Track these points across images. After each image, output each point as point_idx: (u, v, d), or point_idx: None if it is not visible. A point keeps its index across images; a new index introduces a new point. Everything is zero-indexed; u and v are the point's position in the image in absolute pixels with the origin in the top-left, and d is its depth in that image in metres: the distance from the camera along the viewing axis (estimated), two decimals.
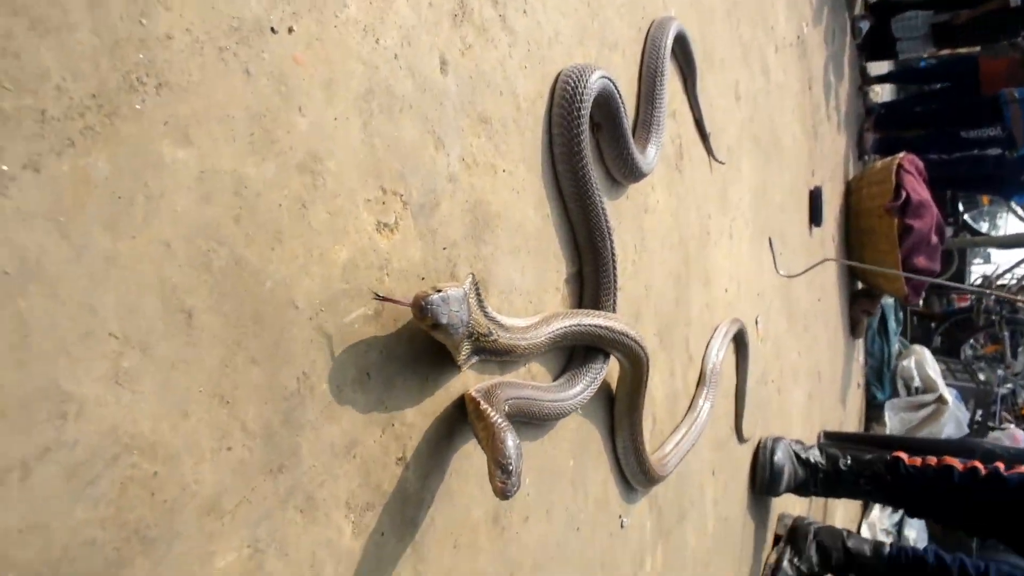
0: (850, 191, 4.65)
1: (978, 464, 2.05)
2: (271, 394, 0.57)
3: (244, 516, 0.55)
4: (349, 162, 0.64)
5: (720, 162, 1.67)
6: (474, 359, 0.75)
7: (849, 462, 2.24)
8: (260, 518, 0.56)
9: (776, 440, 2.18)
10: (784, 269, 2.40)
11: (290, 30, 0.58)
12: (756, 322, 2.11)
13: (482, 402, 0.73)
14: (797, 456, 2.21)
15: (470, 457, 0.80)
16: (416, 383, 0.72)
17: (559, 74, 0.97)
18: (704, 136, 1.58)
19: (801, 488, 2.25)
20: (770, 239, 2.31)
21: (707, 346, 1.64)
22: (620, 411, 1.15)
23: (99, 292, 0.46)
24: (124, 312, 0.47)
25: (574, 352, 1.01)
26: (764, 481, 2.11)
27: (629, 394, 1.13)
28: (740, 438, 1.91)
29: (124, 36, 0.47)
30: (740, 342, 1.88)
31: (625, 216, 1.19)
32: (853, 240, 4.71)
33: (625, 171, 1.12)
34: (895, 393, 5.35)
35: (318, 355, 0.61)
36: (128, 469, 0.47)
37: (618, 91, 1.03)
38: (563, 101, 0.96)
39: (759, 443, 2.13)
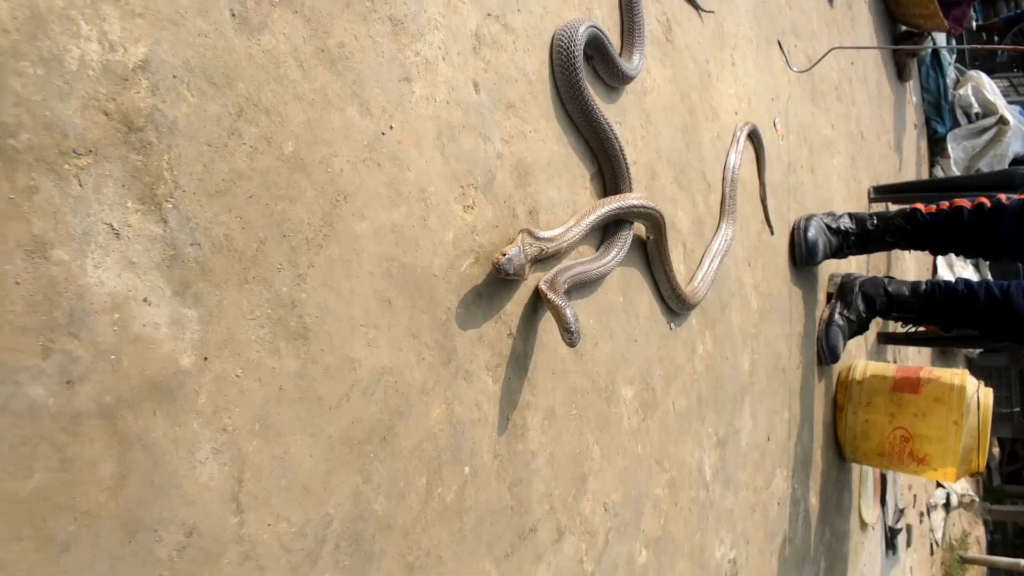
0: None
1: (984, 199, 2.39)
2: (435, 325, 1.05)
3: (440, 389, 1.05)
4: (440, 180, 1.07)
5: (708, 11, 1.96)
6: (536, 270, 1.20)
7: (875, 221, 2.61)
8: (446, 388, 1.07)
9: (807, 219, 2.56)
10: (797, 65, 2.66)
11: (391, 128, 1.00)
12: (774, 124, 2.43)
13: (546, 291, 1.19)
14: (828, 227, 2.61)
15: (550, 320, 1.28)
16: (508, 289, 1.20)
17: (552, 37, 1.33)
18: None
19: (837, 252, 2.65)
20: (779, 42, 2.56)
21: (724, 163, 2.02)
22: (652, 257, 1.60)
23: (350, 305, 0.94)
24: (368, 309, 0.95)
25: (606, 228, 1.46)
26: (802, 256, 2.51)
27: (655, 242, 1.57)
28: (771, 230, 2.32)
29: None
30: (755, 141, 2.23)
31: (628, 109, 1.57)
32: None
33: (617, 80, 1.49)
34: (955, 124, 5.45)
35: (452, 296, 1.08)
36: (389, 381, 0.97)
37: (600, 29, 1.38)
38: (560, 58, 1.33)
39: (792, 225, 2.53)
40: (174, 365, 0.74)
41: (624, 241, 1.44)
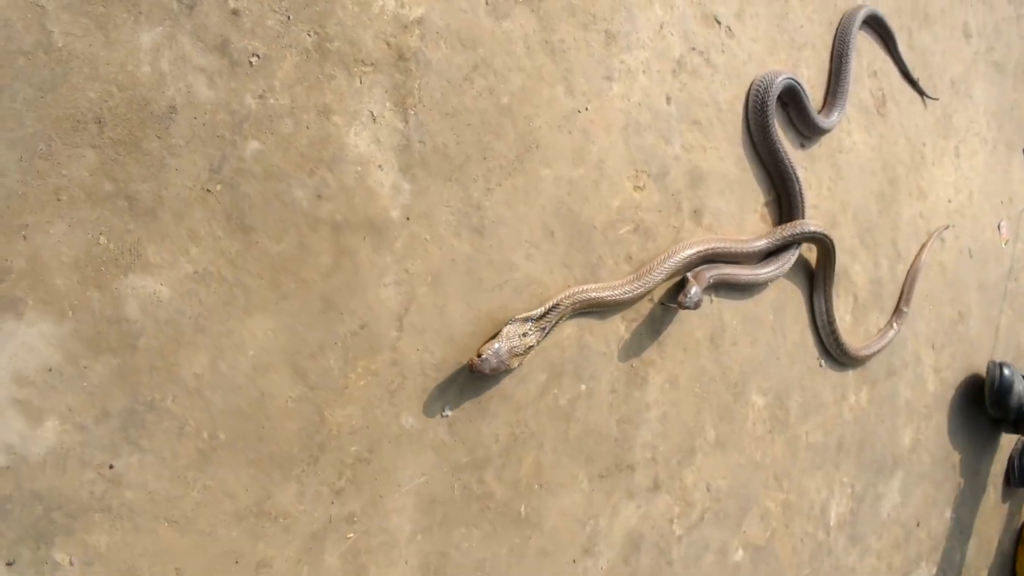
0: None
1: None
2: (585, 264, 1.24)
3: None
4: (618, 159, 1.28)
5: (932, 98, 1.95)
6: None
7: None
8: (581, 317, 1.25)
9: (1005, 365, 2.21)
10: None
11: (587, 109, 1.23)
12: (999, 227, 2.28)
13: (690, 276, 1.33)
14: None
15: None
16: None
17: (752, 82, 1.49)
18: (912, 81, 1.89)
19: None
20: None
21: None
22: (816, 286, 1.64)
23: (520, 223, 1.17)
24: (534, 232, 1.17)
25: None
26: (992, 394, 2.19)
27: (822, 269, 1.61)
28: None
29: None
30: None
31: (818, 158, 1.65)
32: None
33: (809, 130, 1.59)
34: None
35: (606, 249, 1.27)
36: (535, 289, 1.18)
37: (797, 82, 1.51)
38: (755, 99, 1.47)
39: (988, 366, 2.24)
40: (386, 214, 1.02)
41: (786, 260, 1.52)
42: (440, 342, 1.08)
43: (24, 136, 0.78)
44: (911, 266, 1.93)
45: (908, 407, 1.97)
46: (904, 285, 1.91)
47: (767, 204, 1.54)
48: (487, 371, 1.06)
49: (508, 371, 1.12)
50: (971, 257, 2.17)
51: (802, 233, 1.52)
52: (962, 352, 2.17)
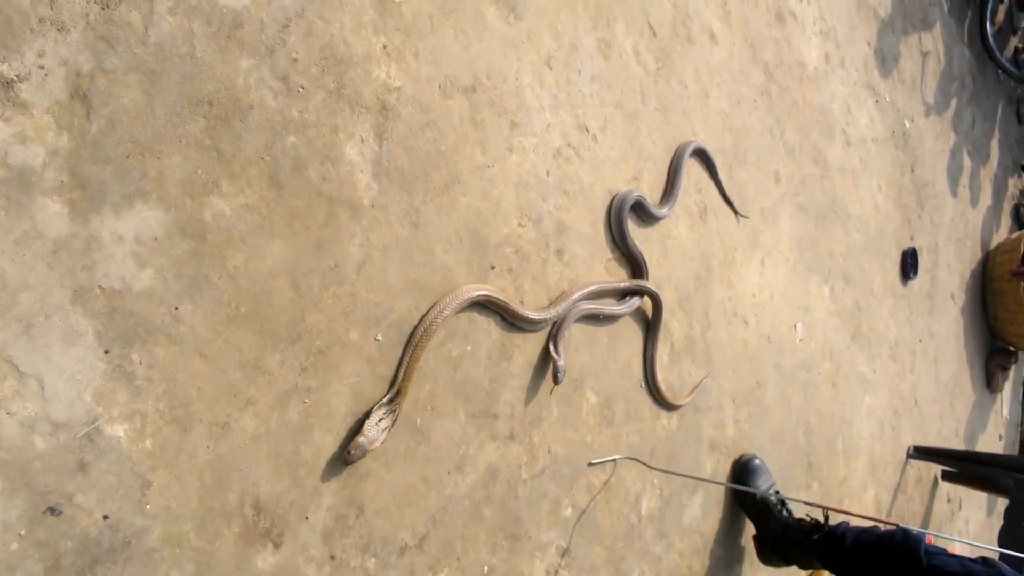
0: (988, 259, 5.30)
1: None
2: (482, 265, 1.95)
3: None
4: (510, 204, 2.02)
5: (743, 216, 2.86)
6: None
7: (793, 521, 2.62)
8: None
9: (751, 458, 2.84)
10: (837, 304, 3.42)
11: (493, 165, 1.98)
12: (795, 326, 3.18)
13: (551, 349, 2.06)
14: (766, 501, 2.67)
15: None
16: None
17: (613, 197, 2.31)
18: (728, 201, 2.79)
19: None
20: (826, 280, 3.36)
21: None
22: (649, 329, 2.41)
23: (438, 246, 1.87)
24: (447, 238, 1.87)
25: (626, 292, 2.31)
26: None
27: (654, 319, 2.39)
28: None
29: None
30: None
31: (651, 238, 2.46)
32: (988, 302, 5.32)
33: (649, 220, 2.42)
34: None
35: (496, 259, 1.98)
36: (446, 273, 1.87)
37: (643, 196, 2.34)
38: (615, 208, 2.29)
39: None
40: (360, 200, 1.70)
41: (633, 303, 2.29)
42: (382, 290, 1.73)
43: (168, 101, 1.43)
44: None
45: (711, 442, 2.72)
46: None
47: (610, 260, 2.32)
48: (357, 460, 1.59)
49: (374, 451, 1.71)
50: (770, 343, 3.03)
51: (644, 288, 2.30)
52: (758, 413, 2.97)
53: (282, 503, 1.56)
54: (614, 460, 2.28)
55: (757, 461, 2.73)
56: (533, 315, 2.01)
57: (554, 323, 2.12)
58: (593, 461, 2.23)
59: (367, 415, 1.65)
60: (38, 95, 1.30)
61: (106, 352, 1.36)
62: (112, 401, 1.35)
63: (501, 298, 1.92)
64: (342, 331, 1.67)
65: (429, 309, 1.80)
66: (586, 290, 2.16)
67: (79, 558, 1.30)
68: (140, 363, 1.39)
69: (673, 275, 2.55)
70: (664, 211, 2.47)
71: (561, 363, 2.06)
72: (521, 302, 2.02)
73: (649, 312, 2.41)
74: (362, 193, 1.71)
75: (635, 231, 2.38)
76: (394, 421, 1.68)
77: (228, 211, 1.50)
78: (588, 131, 2.26)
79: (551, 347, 2.07)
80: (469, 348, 1.92)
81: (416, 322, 1.79)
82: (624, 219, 2.27)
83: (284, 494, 1.56)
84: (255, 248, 1.54)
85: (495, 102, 2.00)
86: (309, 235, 1.62)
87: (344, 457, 1.60)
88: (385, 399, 1.68)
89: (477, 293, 1.86)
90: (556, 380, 2.05)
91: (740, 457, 2.77)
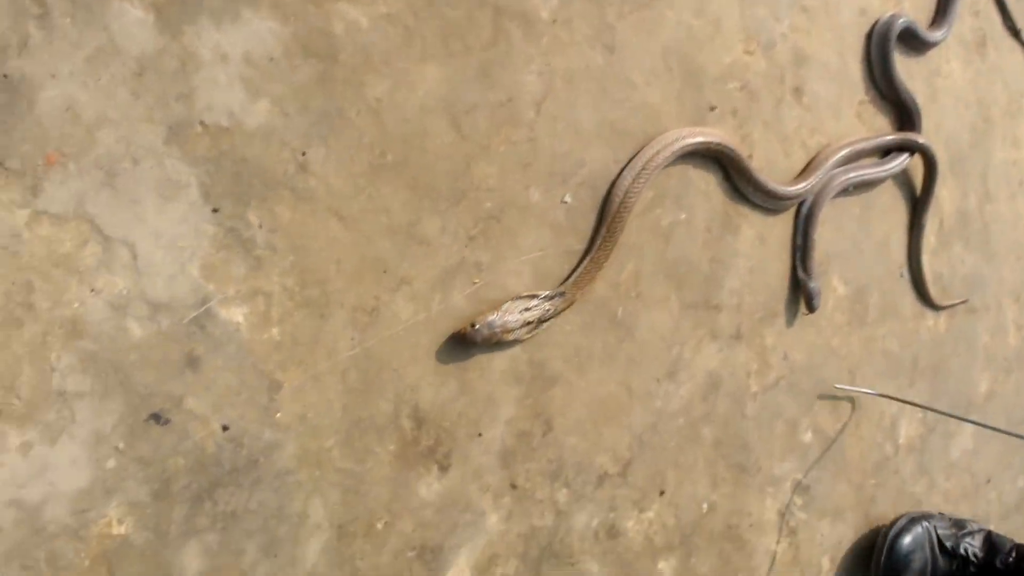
0: None
1: None
2: (697, 106, 1.47)
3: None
4: (732, 23, 1.51)
5: None
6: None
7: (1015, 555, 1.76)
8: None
9: (911, 521, 1.82)
10: None
11: None
12: None
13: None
14: (940, 543, 1.80)
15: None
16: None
17: (875, 22, 1.73)
18: (1014, 31, 2.10)
19: None
20: None
21: None
22: (918, 202, 1.85)
23: (642, 53, 1.40)
24: (654, 64, 1.41)
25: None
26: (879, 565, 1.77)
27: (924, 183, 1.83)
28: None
29: None
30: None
31: (915, 75, 1.86)
32: None
33: (917, 48, 1.81)
34: None
35: (712, 96, 1.49)
36: (649, 112, 1.41)
37: (912, 22, 1.74)
38: (878, 38, 1.71)
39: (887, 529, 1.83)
40: (536, 12, 1.26)
41: (902, 160, 1.74)
42: (569, 134, 1.31)
43: None
44: None
45: (986, 353, 2.12)
46: None
47: (863, 103, 1.75)
48: (478, 341, 1.18)
49: (502, 344, 1.24)
50: None
51: (915, 143, 1.73)
52: None
53: (448, 414, 1.21)
54: (867, 393, 1.78)
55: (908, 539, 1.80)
56: (776, 188, 1.51)
57: (801, 204, 1.61)
58: (840, 386, 1.73)
59: (517, 297, 1.26)
60: None
61: (215, 211, 1.03)
62: (226, 276, 1.03)
63: (734, 150, 1.44)
64: (519, 189, 1.26)
65: (631, 159, 1.36)
66: (842, 152, 1.63)
67: (194, 480, 1.01)
68: (260, 226, 1.05)
69: (942, 126, 1.94)
70: (939, 35, 1.85)
71: (814, 284, 1.60)
72: (749, 156, 1.52)
73: (918, 178, 1.83)
74: (539, 3, 1.27)
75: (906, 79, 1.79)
76: (542, 321, 1.26)
77: (364, 22, 1.11)
78: None
79: (798, 263, 1.63)
80: (683, 216, 1.46)
81: (613, 179, 1.35)
82: (890, 52, 1.69)
83: (450, 403, 1.21)
84: (402, 74, 1.15)
85: None
86: (471, 58, 1.21)
87: (462, 331, 1.18)
88: (546, 293, 1.27)
89: (702, 140, 1.40)
90: (810, 307, 1.62)
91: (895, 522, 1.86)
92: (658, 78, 1.41)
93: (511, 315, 1.21)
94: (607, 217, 1.32)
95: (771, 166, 1.57)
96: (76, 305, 0.94)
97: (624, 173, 1.35)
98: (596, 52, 1.33)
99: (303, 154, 1.08)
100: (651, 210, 1.41)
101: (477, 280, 1.22)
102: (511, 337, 1.22)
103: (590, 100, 1.33)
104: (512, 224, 1.25)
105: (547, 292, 1.26)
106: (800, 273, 1.62)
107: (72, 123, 0.94)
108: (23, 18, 0.90)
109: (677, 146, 1.37)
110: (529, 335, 1.25)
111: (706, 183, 1.49)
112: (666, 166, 1.38)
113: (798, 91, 1.63)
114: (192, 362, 1.01)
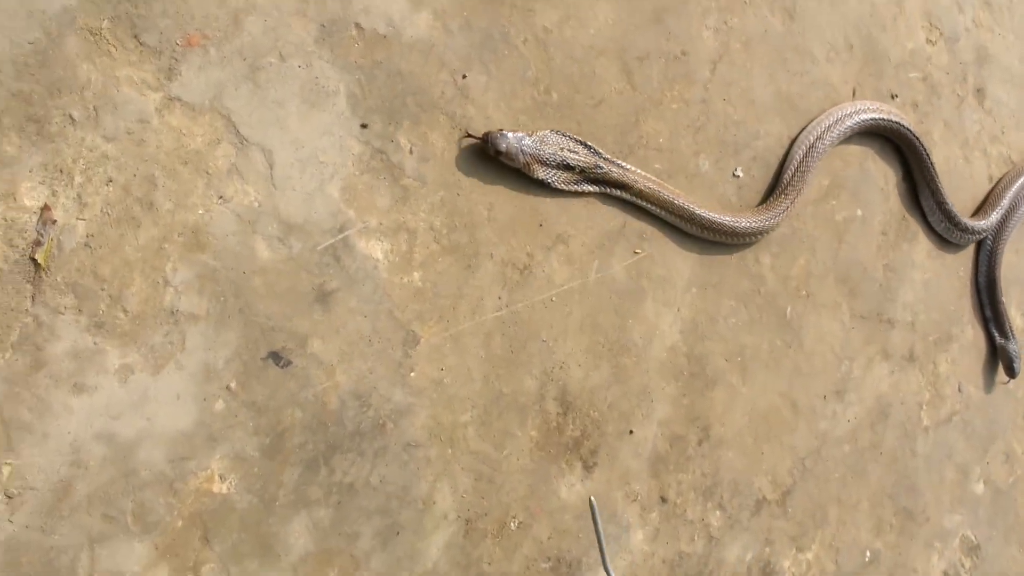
0: None
1: None
2: (877, 92, 1.30)
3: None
4: (916, 6, 1.36)
5: None
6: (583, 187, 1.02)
7: None
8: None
9: None
10: None
11: None
12: None
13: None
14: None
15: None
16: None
17: None
18: None
19: None
20: None
21: None
22: None
23: (827, 26, 1.25)
24: (836, 40, 1.25)
25: None
26: None
27: None
28: None
29: None
30: None
31: None
32: None
33: None
34: None
35: (893, 82, 1.32)
36: (826, 88, 1.25)
37: None
38: None
39: None
40: None
41: None
42: (743, 102, 1.15)
43: None
44: None
45: None
46: None
47: None
48: (499, 150, 0.92)
49: (524, 174, 0.97)
50: None
51: None
52: None
53: (598, 403, 1.02)
54: None
55: None
56: (954, 212, 1.33)
57: (985, 239, 1.43)
58: None
59: (565, 133, 0.98)
60: None
61: (363, 126, 0.88)
62: (368, 204, 0.88)
63: (920, 138, 1.26)
64: (688, 154, 1.10)
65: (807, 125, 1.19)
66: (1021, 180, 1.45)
67: (310, 439, 0.83)
68: (410, 151, 0.90)
69: None
70: None
71: (1014, 347, 1.43)
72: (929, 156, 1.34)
73: None
74: None
75: None
76: (587, 180, 1.00)
77: None
78: None
79: (990, 323, 1.47)
80: (859, 212, 1.27)
81: (784, 153, 1.18)
82: None
83: (601, 389, 1.02)
84: (574, 6, 1.01)
85: None
86: (645, 2, 1.07)
87: (487, 131, 0.92)
88: (601, 151, 1.00)
89: (891, 117, 1.23)
90: (1010, 372, 1.44)
91: None
92: (839, 55, 1.25)
93: (548, 146, 0.96)
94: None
95: (951, 170, 1.38)
96: (200, 211, 0.79)
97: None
98: (776, 17, 1.18)
99: (463, 77, 0.93)
100: (826, 200, 1.23)
101: (639, 251, 1.05)
102: (540, 175, 0.96)
103: (767, 68, 1.17)
104: (680, 191, 1.08)
105: (602, 152, 1.00)
106: (997, 338, 1.43)
107: (218, 3, 0.82)
108: None
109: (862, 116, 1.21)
110: (565, 187, 0.99)
111: (885, 180, 1.30)
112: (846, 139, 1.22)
113: (980, 92, 1.45)
114: (322, 297, 0.85)
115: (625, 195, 1.02)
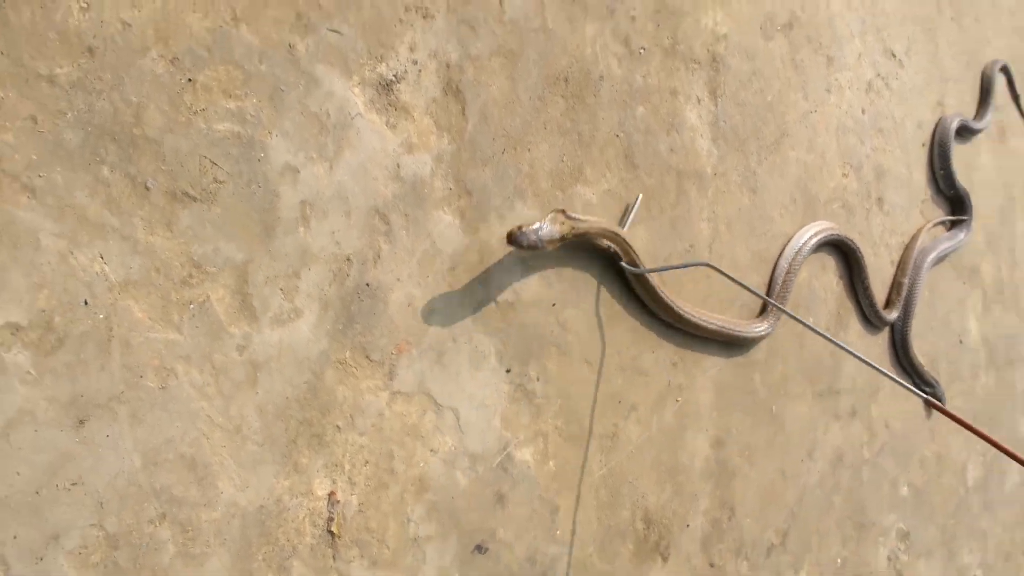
0: None
1: None
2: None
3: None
4: (833, 154, 1.81)
5: None
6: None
7: None
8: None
9: None
10: None
11: (815, 111, 1.77)
12: None
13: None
14: None
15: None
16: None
17: (935, 125, 2.06)
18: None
19: None
20: None
21: None
22: None
23: (775, 211, 1.68)
24: (782, 201, 1.69)
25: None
26: None
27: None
28: None
29: None
30: None
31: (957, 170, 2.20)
32: None
33: (965, 136, 2.16)
34: None
35: (824, 216, 1.78)
36: (783, 240, 1.69)
37: (963, 118, 2.07)
38: (940, 134, 2.05)
39: None
40: (703, 169, 1.53)
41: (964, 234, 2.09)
42: (732, 268, 1.57)
43: (529, 84, 1.29)
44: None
45: None
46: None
47: (924, 201, 2.08)
48: (525, 245, 1.18)
49: (541, 250, 1.22)
50: None
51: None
52: None
53: (666, 512, 1.45)
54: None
55: None
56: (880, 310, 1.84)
57: (895, 323, 1.94)
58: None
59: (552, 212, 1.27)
60: (415, 94, 1.18)
61: (507, 371, 1.26)
62: (517, 424, 1.26)
63: (858, 248, 1.77)
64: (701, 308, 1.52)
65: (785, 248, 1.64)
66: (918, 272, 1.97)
67: None
68: (537, 379, 1.29)
69: (979, 211, 2.28)
70: (982, 124, 2.21)
71: (941, 389, 1.97)
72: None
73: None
74: (704, 161, 1.54)
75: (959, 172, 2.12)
76: (562, 237, 1.24)
77: (594, 199, 1.37)
78: (895, 56, 1.99)
79: (918, 387, 1.94)
80: (811, 319, 1.74)
81: (766, 282, 1.63)
82: (949, 148, 2.04)
83: (668, 503, 1.45)
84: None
85: (812, 37, 1.77)
86: (663, 216, 1.47)
87: (510, 232, 1.19)
88: (580, 216, 1.28)
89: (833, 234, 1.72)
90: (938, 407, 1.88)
91: None
92: (787, 209, 1.69)
93: (546, 227, 1.22)
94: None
95: (867, 265, 1.87)
96: (422, 465, 1.16)
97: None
98: (744, 194, 1.61)
99: (553, 304, 1.32)
100: (794, 324, 1.69)
101: (679, 399, 1.48)
102: (552, 248, 1.23)
103: (743, 237, 1.60)
104: (697, 352, 1.51)
105: (563, 216, 1.25)
106: (922, 391, 1.92)
107: (412, 316, 1.16)
108: (375, 235, 1.13)
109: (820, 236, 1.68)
110: (552, 240, 1.23)
111: (825, 291, 1.78)
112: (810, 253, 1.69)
113: (880, 201, 1.93)
114: (500, 499, 1.23)
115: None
